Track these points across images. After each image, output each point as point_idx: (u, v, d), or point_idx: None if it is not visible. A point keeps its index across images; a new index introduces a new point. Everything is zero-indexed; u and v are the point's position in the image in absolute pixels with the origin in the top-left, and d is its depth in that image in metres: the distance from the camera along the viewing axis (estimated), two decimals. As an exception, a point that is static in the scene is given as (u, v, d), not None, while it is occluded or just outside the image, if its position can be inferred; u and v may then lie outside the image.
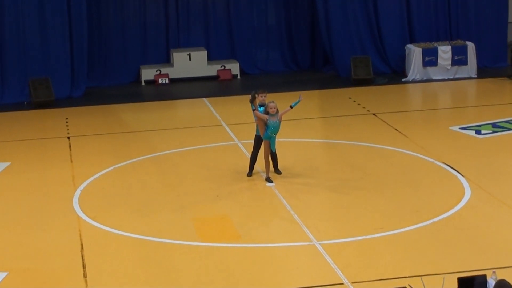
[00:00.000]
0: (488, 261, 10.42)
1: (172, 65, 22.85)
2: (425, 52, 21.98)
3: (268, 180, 13.72)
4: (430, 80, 21.94)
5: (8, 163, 15.54)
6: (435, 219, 11.95)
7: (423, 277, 9.71)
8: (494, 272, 8.55)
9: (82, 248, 11.40)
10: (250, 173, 14.12)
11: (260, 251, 11.19)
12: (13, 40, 21.18)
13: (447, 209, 12.35)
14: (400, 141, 16.10)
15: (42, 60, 21.35)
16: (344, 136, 16.67)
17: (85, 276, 10.50)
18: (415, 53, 22.00)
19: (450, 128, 16.98)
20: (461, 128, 16.90)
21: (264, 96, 13.76)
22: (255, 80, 22.53)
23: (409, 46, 22.41)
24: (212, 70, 22.89)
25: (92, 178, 14.45)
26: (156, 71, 22.68)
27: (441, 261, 10.54)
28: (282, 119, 13.66)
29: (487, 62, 23.13)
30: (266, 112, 13.52)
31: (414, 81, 21.93)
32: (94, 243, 11.59)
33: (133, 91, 21.95)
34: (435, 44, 22.26)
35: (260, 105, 13.71)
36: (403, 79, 22.07)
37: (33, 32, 21.23)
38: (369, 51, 22.75)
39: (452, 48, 22.05)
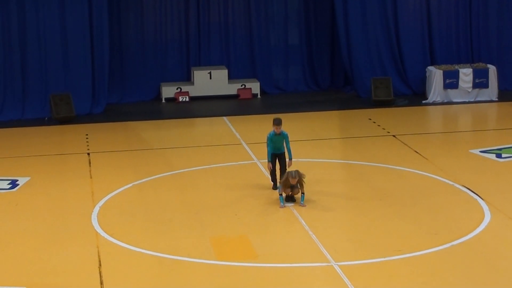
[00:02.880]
0: (507, 285, 10.34)
1: (192, 83, 22.92)
2: (446, 75, 21.91)
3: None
4: (450, 103, 21.86)
5: (28, 178, 15.62)
6: (454, 242, 11.88)
7: (441, 301, 9.67)
8: (513, 297, 8.50)
9: (100, 264, 11.41)
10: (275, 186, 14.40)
11: (277, 271, 11.16)
12: (34, 56, 21.33)
13: (467, 232, 12.27)
14: (420, 163, 16.04)
15: (63, 76, 21.48)
16: (364, 157, 16.63)
17: (102, 292, 10.52)
18: (436, 75, 21.94)
19: (470, 151, 16.89)
20: (481, 151, 16.81)
21: None
22: (275, 100, 22.57)
23: (430, 68, 22.36)
24: (232, 88, 22.93)
25: (111, 195, 14.48)
26: (177, 88, 22.75)
27: (460, 284, 10.47)
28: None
29: (509, 85, 23.03)
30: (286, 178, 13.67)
31: (434, 103, 21.86)
32: (112, 260, 11.60)
33: (153, 109, 22.03)
34: (456, 67, 22.20)
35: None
36: (424, 101, 22.00)
37: (54, 48, 21.37)
38: (389, 72, 22.72)
39: (473, 70, 21.97)
